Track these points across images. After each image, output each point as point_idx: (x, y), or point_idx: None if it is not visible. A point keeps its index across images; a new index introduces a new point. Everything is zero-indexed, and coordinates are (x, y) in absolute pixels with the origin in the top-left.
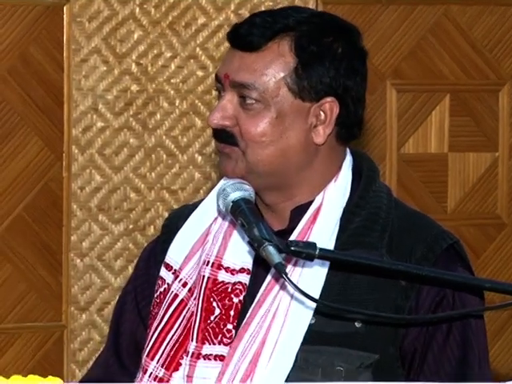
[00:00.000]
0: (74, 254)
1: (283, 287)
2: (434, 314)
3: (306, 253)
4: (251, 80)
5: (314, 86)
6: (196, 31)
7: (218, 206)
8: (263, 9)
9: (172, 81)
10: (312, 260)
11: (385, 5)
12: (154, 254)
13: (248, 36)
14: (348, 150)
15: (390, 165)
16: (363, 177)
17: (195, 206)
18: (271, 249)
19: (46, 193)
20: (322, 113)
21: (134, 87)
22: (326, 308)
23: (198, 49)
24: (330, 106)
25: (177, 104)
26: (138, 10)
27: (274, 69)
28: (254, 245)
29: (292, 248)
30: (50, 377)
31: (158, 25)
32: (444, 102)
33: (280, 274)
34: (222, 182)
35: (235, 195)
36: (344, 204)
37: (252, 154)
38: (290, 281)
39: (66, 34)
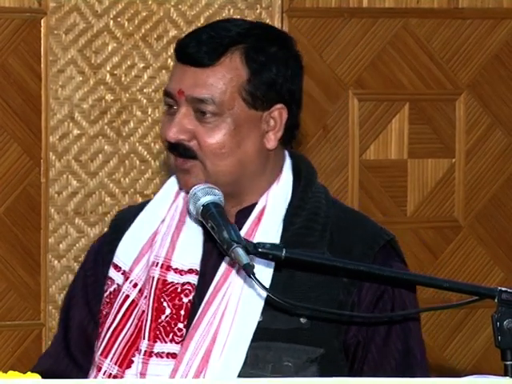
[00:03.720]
0: (51, 256)
1: (231, 287)
2: (391, 313)
3: (273, 254)
4: (208, 95)
5: (266, 95)
6: (167, 43)
7: (189, 209)
8: None
9: (145, 90)
10: (279, 261)
11: (347, 18)
12: (102, 255)
13: (198, 53)
14: (286, 152)
15: (352, 171)
16: (302, 178)
17: (141, 207)
18: (240, 250)
19: (24, 197)
20: (271, 119)
21: (109, 96)
22: (272, 305)
23: (169, 60)
24: (279, 112)
25: (149, 112)
26: (112, 23)
27: (228, 82)
28: (224, 247)
29: (259, 250)
30: (29, 373)
31: (132, 37)
32: (403, 110)
33: (248, 275)
34: (169, 182)
35: (205, 199)
36: (286, 205)
37: (212, 165)
38: (258, 281)
39: (44, 45)
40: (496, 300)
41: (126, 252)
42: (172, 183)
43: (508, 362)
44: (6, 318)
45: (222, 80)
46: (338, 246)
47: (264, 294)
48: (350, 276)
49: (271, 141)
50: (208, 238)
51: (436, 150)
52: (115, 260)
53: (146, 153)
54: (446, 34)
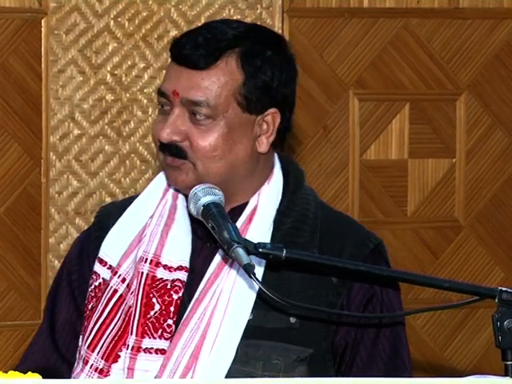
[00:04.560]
0: (52, 256)
1: (222, 285)
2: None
3: (274, 254)
4: (203, 97)
5: (260, 99)
6: (168, 43)
7: (190, 209)
8: None
9: (145, 90)
10: (279, 261)
11: (347, 18)
12: (87, 250)
13: (194, 56)
14: (276, 153)
15: (353, 171)
16: (291, 179)
17: (126, 202)
18: (240, 250)
19: (25, 197)
20: (264, 123)
21: (109, 96)
22: (263, 304)
23: (169, 60)
24: (272, 117)
25: (150, 112)
26: (112, 23)
27: (224, 86)
28: (224, 247)
29: (260, 250)
30: (29, 372)
31: (132, 37)
32: (404, 110)
33: (248, 275)
34: (157, 179)
35: (206, 199)
36: (277, 206)
37: (203, 167)
38: (258, 281)
39: (44, 45)
40: (496, 300)
41: (112, 247)
42: (160, 180)
43: (508, 362)
44: (7, 317)
45: (217, 83)
46: (327, 248)
47: (254, 292)
48: (341, 276)
49: (263, 145)
50: (197, 236)
51: (436, 150)
52: (101, 255)
53: (146, 153)
54: (447, 34)
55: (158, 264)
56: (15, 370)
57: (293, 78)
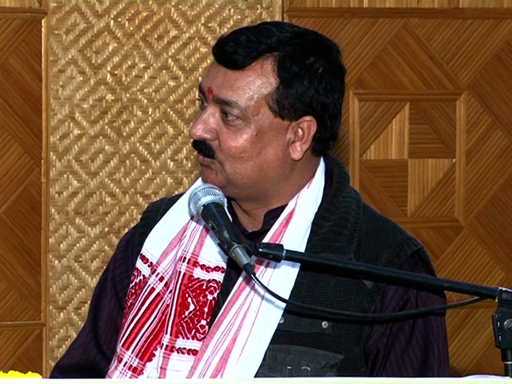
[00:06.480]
0: (52, 256)
1: (255, 287)
2: (396, 313)
3: (274, 254)
4: (234, 98)
5: (294, 106)
6: (168, 43)
7: (190, 209)
8: (232, 22)
9: (145, 90)
10: (279, 261)
11: (347, 18)
12: (132, 246)
13: (233, 55)
14: (321, 157)
15: (353, 170)
16: (334, 183)
17: (173, 200)
18: (240, 250)
19: (25, 197)
20: (299, 130)
21: (109, 96)
22: (295, 308)
23: (169, 60)
24: (307, 125)
25: (150, 112)
26: (112, 23)
27: (256, 88)
28: (224, 247)
29: (260, 250)
30: (29, 372)
31: (132, 37)
32: (404, 110)
33: (248, 275)
34: (197, 183)
35: (206, 199)
36: (316, 209)
37: (230, 167)
38: (258, 281)
39: (44, 45)
40: (496, 300)
41: (154, 244)
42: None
43: (508, 362)
44: (7, 317)
45: (249, 85)
46: (364, 252)
47: (287, 295)
48: (372, 280)
49: (297, 152)
50: None
51: (436, 149)
52: (143, 251)
53: (146, 153)
54: (447, 34)
55: (195, 264)
56: (57, 365)
57: (336, 88)
